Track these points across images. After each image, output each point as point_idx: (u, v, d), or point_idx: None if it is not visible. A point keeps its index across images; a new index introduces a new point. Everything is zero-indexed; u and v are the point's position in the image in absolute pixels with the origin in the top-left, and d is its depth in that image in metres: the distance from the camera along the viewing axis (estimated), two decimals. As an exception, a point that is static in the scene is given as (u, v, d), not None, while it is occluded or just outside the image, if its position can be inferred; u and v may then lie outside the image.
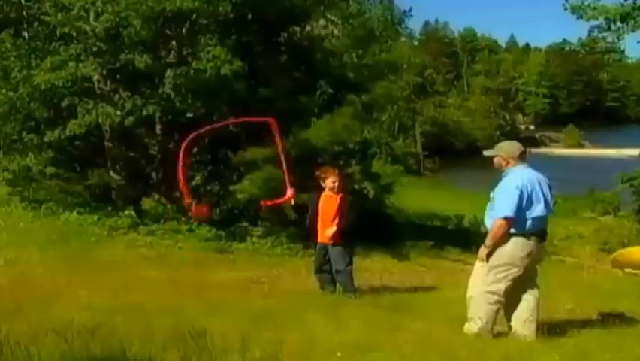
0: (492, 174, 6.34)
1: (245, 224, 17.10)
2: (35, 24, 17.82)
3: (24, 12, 18.10)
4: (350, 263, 8.37)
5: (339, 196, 8.25)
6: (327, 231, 8.14)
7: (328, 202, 8.23)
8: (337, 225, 8.12)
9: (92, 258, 12.41)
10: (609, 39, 22.58)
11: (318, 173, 8.45)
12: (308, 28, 21.68)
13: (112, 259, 12.50)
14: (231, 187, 17.11)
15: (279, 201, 8.47)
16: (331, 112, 18.08)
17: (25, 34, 17.93)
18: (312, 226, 8.36)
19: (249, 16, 18.29)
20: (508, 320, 6.20)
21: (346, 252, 8.31)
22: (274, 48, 19.02)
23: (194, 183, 17.96)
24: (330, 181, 8.24)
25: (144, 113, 16.35)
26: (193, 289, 8.56)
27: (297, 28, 20.54)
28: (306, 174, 8.40)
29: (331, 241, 8.17)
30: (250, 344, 4.85)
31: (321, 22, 23.37)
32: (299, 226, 15.56)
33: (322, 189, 8.34)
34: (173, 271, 11.28)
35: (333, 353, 5.02)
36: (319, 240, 8.30)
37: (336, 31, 24.44)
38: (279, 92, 17.29)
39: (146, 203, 17.16)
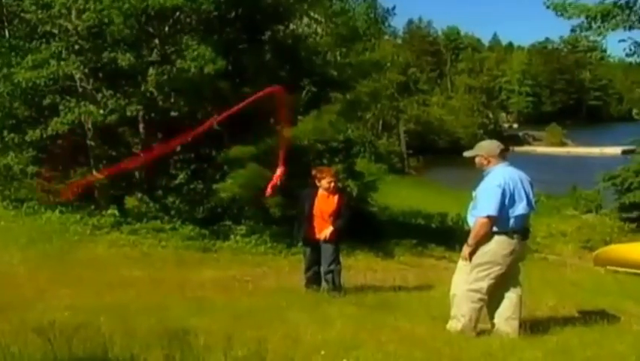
0: (475, 172, 6.37)
1: (228, 223, 17.06)
2: (16, 22, 17.65)
3: (4, 9, 17.92)
4: (339, 262, 8.41)
5: (336, 197, 8.30)
6: (323, 230, 8.17)
7: (325, 202, 8.26)
8: (333, 225, 8.16)
9: (75, 257, 12.32)
10: (591, 38, 22.67)
11: (314, 172, 8.48)
12: (292, 26, 21.65)
13: (94, 259, 12.42)
14: (215, 186, 17.05)
15: (274, 181, 8.29)
16: (317, 109, 18.05)
17: (6, 31, 17.75)
18: (304, 224, 8.36)
19: (233, 14, 18.25)
20: (491, 317, 6.23)
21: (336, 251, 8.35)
22: (258, 46, 18.97)
23: (177, 181, 17.90)
24: (326, 182, 8.27)
25: (127, 112, 16.27)
26: (176, 288, 8.54)
27: (281, 27, 20.50)
28: (291, 173, 8.36)
29: (325, 240, 8.19)
30: (234, 342, 4.84)
31: (305, 20, 23.34)
32: (283, 225, 15.57)
33: (315, 187, 8.34)
34: (156, 270, 11.25)
35: (317, 351, 5.02)
36: (312, 238, 8.29)
37: (319, 30, 24.39)
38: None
39: (129, 202, 17.09)
